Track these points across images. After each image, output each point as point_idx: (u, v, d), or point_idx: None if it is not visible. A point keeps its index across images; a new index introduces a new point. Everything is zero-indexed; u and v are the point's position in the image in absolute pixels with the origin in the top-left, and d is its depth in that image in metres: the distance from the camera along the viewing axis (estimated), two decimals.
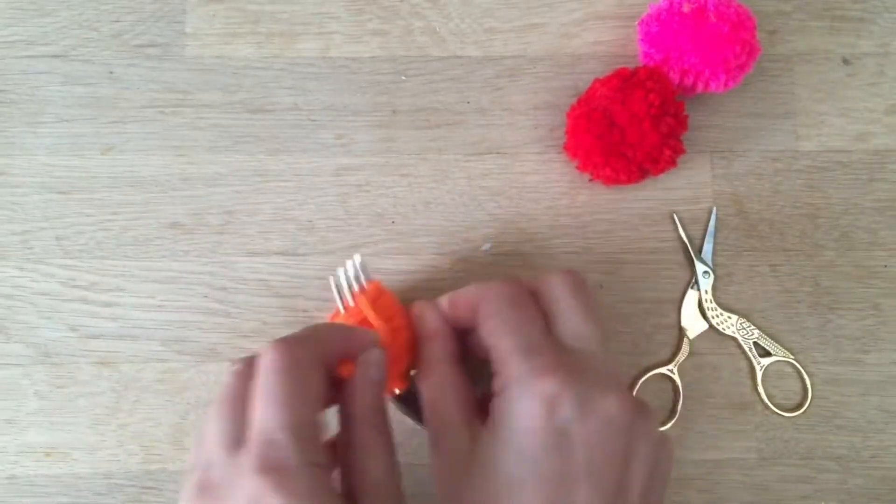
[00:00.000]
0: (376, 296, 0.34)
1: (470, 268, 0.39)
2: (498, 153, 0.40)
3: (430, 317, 0.33)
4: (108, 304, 0.38)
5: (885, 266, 0.40)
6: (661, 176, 0.38)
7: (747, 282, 0.39)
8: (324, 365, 0.28)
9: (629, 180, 0.37)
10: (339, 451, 0.29)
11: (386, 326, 0.32)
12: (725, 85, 0.37)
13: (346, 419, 0.29)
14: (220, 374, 0.38)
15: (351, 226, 0.39)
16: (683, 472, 0.38)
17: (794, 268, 0.39)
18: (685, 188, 0.40)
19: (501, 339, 0.30)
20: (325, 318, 0.37)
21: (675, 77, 0.37)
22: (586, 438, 0.27)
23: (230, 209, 0.39)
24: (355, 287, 0.33)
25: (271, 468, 0.24)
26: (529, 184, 0.40)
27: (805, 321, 0.39)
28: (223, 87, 0.40)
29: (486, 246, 0.39)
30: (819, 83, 0.41)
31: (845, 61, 0.41)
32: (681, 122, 0.36)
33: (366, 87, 0.40)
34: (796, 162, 0.40)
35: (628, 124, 0.35)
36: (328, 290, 0.38)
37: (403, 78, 0.40)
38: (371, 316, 0.33)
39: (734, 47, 0.36)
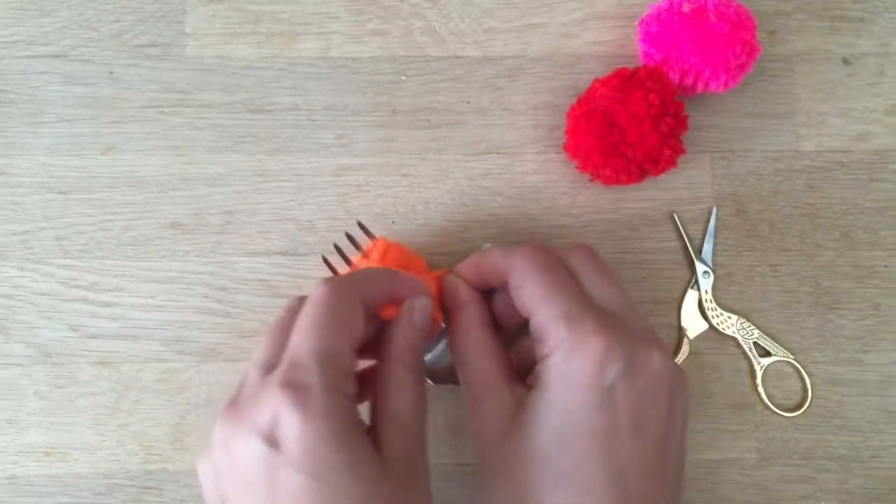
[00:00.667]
0: (384, 252, 0.33)
1: None
2: (498, 153, 0.40)
3: (461, 285, 0.34)
4: (108, 304, 0.38)
5: (885, 266, 0.40)
6: (661, 176, 0.38)
7: (747, 282, 0.39)
8: (366, 304, 0.30)
9: (629, 180, 0.37)
10: (373, 386, 0.31)
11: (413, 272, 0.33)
12: (725, 85, 0.37)
13: (381, 357, 0.31)
14: (221, 374, 0.38)
15: (351, 226, 0.39)
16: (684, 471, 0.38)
17: (794, 268, 0.39)
18: (685, 188, 0.40)
19: (542, 306, 0.30)
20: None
21: (675, 77, 0.37)
22: (633, 394, 0.28)
23: (230, 209, 0.39)
24: (355, 251, 0.34)
25: (293, 385, 0.25)
26: (529, 184, 0.40)
27: (805, 321, 0.39)
28: (223, 87, 0.40)
29: (487, 246, 0.39)
30: (819, 83, 0.41)
31: (845, 61, 0.41)
32: (681, 122, 0.36)
33: (366, 87, 0.40)
34: (796, 162, 0.40)
35: (628, 124, 0.35)
36: None
37: (403, 78, 0.40)
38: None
39: (734, 47, 0.36)
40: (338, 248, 0.34)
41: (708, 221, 0.39)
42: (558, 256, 0.33)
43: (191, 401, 0.38)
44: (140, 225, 0.39)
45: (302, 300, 0.30)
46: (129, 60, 0.40)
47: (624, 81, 0.36)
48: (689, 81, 0.37)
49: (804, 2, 0.41)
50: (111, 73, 0.40)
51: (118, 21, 0.40)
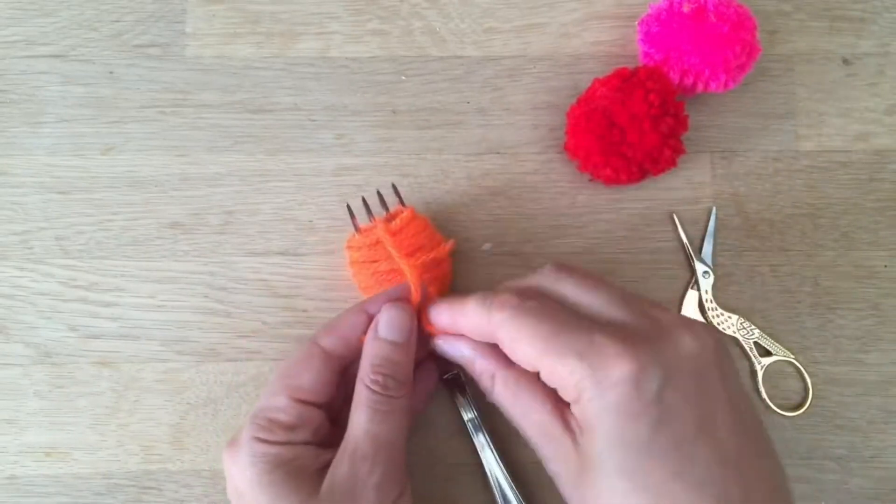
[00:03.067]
0: (407, 222, 0.34)
1: (470, 268, 0.39)
2: (498, 153, 0.40)
3: (454, 344, 0.33)
4: (108, 304, 0.38)
5: (885, 266, 0.40)
6: (661, 176, 0.38)
7: (747, 282, 0.39)
8: (337, 348, 0.32)
9: (629, 180, 0.37)
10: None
11: (404, 258, 0.32)
12: (725, 85, 0.37)
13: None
14: (220, 374, 0.38)
15: (351, 226, 0.39)
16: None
17: (794, 268, 0.39)
18: (685, 188, 0.40)
19: (547, 358, 0.28)
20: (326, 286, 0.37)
21: (675, 77, 0.37)
22: (684, 394, 0.26)
23: (230, 209, 0.39)
24: (381, 210, 0.35)
25: (231, 441, 0.31)
26: (529, 184, 0.40)
27: (805, 321, 0.39)
28: (223, 87, 0.40)
29: (487, 246, 0.39)
30: (819, 83, 0.41)
31: (845, 61, 0.41)
32: (681, 122, 0.36)
33: (366, 87, 0.40)
34: (796, 162, 0.40)
35: (628, 124, 0.35)
36: (329, 289, 0.38)
37: (403, 78, 0.40)
38: (387, 241, 0.33)
39: (734, 47, 0.36)
40: (365, 203, 0.35)
41: (708, 221, 0.39)
42: (536, 288, 0.30)
43: (191, 401, 0.38)
44: (140, 225, 0.39)
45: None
46: (129, 60, 0.40)
47: (624, 81, 0.36)
48: (689, 81, 0.37)
49: (804, 2, 0.41)
50: (111, 73, 0.40)
51: (118, 21, 0.40)
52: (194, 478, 0.37)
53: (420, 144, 0.40)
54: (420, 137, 0.40)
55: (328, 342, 0.32)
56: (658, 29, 0.37)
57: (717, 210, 0.40)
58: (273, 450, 0.30)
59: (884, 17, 0.41)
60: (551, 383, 0.28)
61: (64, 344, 0.38)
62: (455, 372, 0.36)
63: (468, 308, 0.30)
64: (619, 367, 0.26)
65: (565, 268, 0.31)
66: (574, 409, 0.28)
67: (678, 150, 0.37)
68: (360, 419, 0.30)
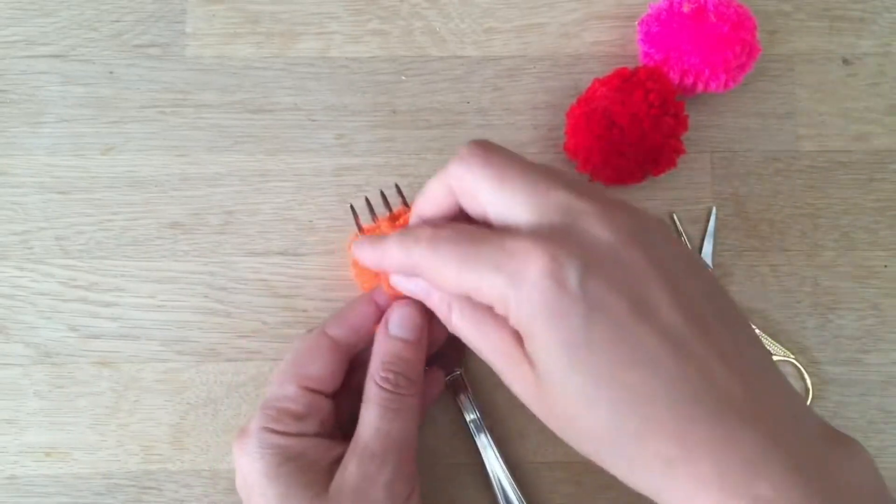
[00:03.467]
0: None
1: None
2: None
3: (405, 282, 0.31)
4: (108, 304, 0.38)
5: (885, 266, 0.40)
6: (661, 176, 0.38)
7: (747, 282, 0.39)
8: (346, 339, 0.32)
9: (629, 180, 0.37)
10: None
11: None
12: (725, 85, 0.37)
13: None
14: (220, 374, 0.38)
15: (351, 226, 0.39)
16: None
17: (794, 268, 0.39)
18: (685, 188, 0.40)
19: (468, 281, 0.26)
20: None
21: (675, 77, 0.37)
22: (608, 279, 0.24)
23: (230, 209, 0.39)
24: (384, 210, 0.35)
25: (240, 432, 0.31)
26: None
27: (805, 321, 0.39)
28: (223, 87, 0.40)
29: None
30: (819, 83, 0.41)
31: (845, 61, 0.41)
32: (681, 122, 0.36)
33: (366, 87, 0.40)
34: (796, 162, 0.40)
35: (628, 124, 0.35)
36: (329, 289, 0.38)
37: (403, 78, 0.40)
38: None
39: (734, 47, 0.36)
40: (368, 203, 0.35)
41: (708, 221, 0.39)
42: (450, 190, 0.28)
43: (191, 401, 0.38)
44: (140, 225, 0.39)
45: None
46: (129, 60, 0.40)
47: (624, 81, 0.36)
48: (689, 81, 0.37)
49: (804, 2, 0.41)
50: (111, 73, 0.40)
51: (118, 21, 0.40)
52: (194, 478, 0.37)
53: (420, 144, 0.40)
54: (420, 137, 0.40)
55: (337, 332, 0.32)
56: (658, 29, 0.37)
57: (717, 210, 0.40)
58: (283, 441, 0.30)
59: (884, 17, 0.41)
60: (488, 302, 0.26)
61: (64, 344, 0.38)
62: (457, 373, 0.36)
63: (388, 247, 0.29)
64: (533, 266, 0.24)
65: (477, 156, 0.27)
66: (512, 323, 0.26)
67: (678, 150, 0.37)
68: (371, 417, 0.30)
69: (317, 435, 0.31)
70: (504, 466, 0.35)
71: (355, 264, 0.36)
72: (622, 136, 0.36)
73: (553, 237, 0.25)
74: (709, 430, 0.23)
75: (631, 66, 0.37)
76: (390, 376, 0.31)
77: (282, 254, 0.39)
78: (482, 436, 0.36)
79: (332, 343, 0.32)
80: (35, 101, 0.39)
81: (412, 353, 0.32)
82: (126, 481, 0.37)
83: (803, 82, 0.41)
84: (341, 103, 0.40)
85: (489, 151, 0.27)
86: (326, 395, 0.32)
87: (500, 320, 0.27)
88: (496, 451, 0.35)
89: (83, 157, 0.39)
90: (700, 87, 0.37)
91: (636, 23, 0.39)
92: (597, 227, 0.25)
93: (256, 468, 0.30)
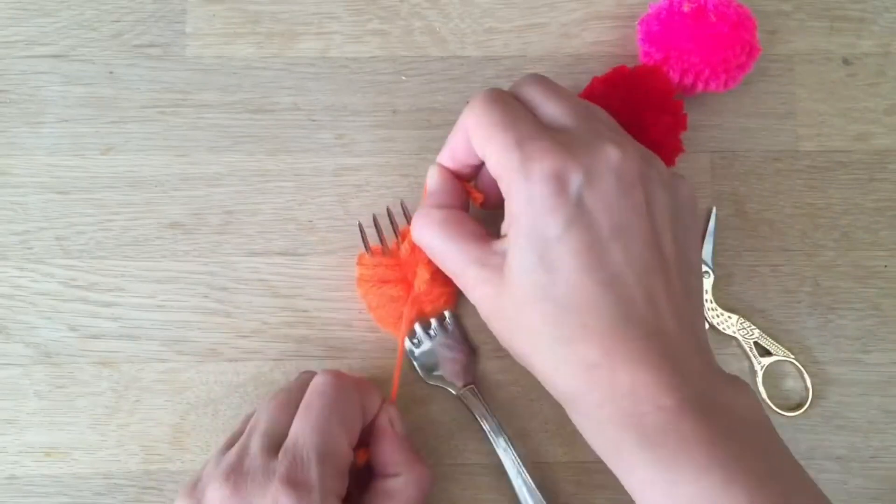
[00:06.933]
0: None
1: None
2: None
3: (429, 177, 0.33)
4: (108, 304, 0.38)
5: (885, 266, 0.40)
6: None
7: (747, 282, 0.39)
8: (363, 409, 0.32)
9: None
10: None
11: (426, 266, 0.34)
12: (725, 85, 0.37)
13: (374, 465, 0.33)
14: (221, 374, 0.38)
15: (351, 226, 0.39)
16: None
17: (794, 268, 0.39)
18: None
19: (494, 141, 0.29)
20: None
21: (675, 77, 0.37)
22: (602, 199, 0.27)
23: (230, 209, 0.39)
24: (392, 231, 0.37)
25: (295, 483, 0.28)
26: None
27: (805, 321, 0.39)
28: (223, 87, 0.40)
29: None
30: (819, 83, 0.41)
31: (845, 61, 0.41)
32: (680, 122, 0.36)
33: (366, 87, 0.40)
34: (796, 162, 0.40)
35: (627, 123, 0.35)
36: (329, 290, 0.38)
37: (403, 78, 0.40)
38: (406, 251, 0.35)
39: (734, 47, 0.36)
40: (376, 222, 0.36)
41: (708, 221, 0.39)
42: (511, 93, 0.31)
43: (191, 401, 0.38)
44: (140, 225, 0.39)
45: (310, 376, 0.33)
46: (129, 60, 0.40)
47: (623, 80, 0.36)
48: (689, 81, 0.37)
49: (804, 2, 0.41)
50: (111, 73, 0.40)
51: (118, 21, 0.40)
52: None
53: (420, 144, 0.40)
54: (420, 137, 0.40)
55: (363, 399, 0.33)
56: (658, 28, 0.37)
57: (716, 210, 0.40)
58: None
59: (884, 17, 0.41)
60: (495, 171, 0.29)
61: (64, 344, 0.38)
62: (471, 385, 0.36)
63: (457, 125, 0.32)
64: (544, 161, 0.27)
65: (539, 78, 0.31)
66: (506, 205, 0.29)
67: (677, 150, 0.37)
68: None
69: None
70: (524, 469, 0.35)
71: (360, 281, 0.36)
72: None
73: (571, 145, 0.28)
74: (634, 349, 0.26)
75: (631, 65, 0.37)
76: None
77: (282, 254, 0.39)
78: (501, 440, 0.36)
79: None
80: (35, 101, 0.39)
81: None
82: (126, 481, 0.37)
83: (803, 82, 0.41)
84: (341, 103, 0.40)
85: (498, 99, 0.30)
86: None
87: (475, 226, 0.31)
88: (514, 454, 0.35)
89: (83, 157, 0.39)
90: (700, 86, 0.37)
91: (636, 23, 0.39)
92: (613, 152, 0.28)
93: None
